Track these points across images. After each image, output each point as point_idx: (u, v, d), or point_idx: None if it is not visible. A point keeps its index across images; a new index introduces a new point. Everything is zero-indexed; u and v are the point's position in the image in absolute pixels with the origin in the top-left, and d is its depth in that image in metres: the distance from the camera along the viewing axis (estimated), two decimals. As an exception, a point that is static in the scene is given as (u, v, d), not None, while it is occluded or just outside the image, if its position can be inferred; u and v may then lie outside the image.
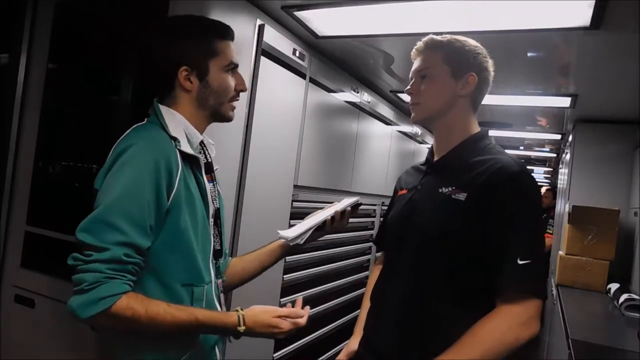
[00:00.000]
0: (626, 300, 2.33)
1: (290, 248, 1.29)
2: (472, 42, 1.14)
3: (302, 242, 1.26)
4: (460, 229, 1.02)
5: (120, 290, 0.88)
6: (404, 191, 1.25)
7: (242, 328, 1.00)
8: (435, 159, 1.19)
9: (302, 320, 1.07)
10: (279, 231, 1.28)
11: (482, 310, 0.99)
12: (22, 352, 1.78)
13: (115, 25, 1.70)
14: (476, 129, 1.17)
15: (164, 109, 1.06)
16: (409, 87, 1.17)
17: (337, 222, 1.30)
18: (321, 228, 1.28)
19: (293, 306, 1.10)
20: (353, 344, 1.27)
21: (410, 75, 1.18)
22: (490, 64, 1.15)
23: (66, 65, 1.84)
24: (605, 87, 2.37)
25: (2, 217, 1.84)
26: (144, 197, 0.92)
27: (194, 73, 1.05)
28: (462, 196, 1.03)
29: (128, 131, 1.02)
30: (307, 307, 1.11)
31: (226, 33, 1.10)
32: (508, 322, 0.95)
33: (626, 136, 3.06)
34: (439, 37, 1.15)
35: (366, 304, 1.30)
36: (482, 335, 0.95)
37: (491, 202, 1.00)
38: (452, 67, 1.12)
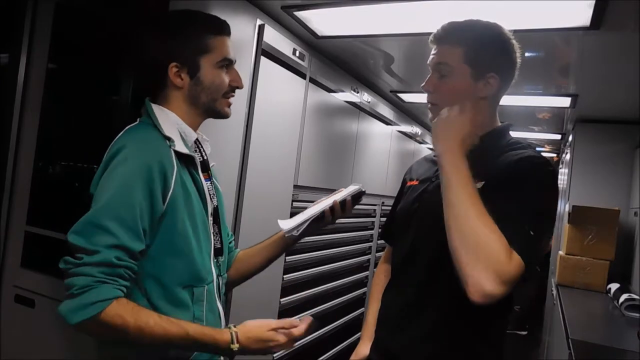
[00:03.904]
0: (626, 300, 2.33)
1: (292, 239, 1.23)
2: (498, 33, 1.05)
3: (297, 234, 1.18)
4: None
5: (111, 295, 0.85)
6: (415, 182, 1.19)
7: (235, 346, 0.94)
8: None
9: (297, 331, 1.00)
10: (279, 220, 1.22)
11: (499, 308, 0.95)
12: (22, 352, 1.78)
13: (116, 25, 1.70)
14: (497, 123, 1.10)
15: (156, 108, 1.04)
16: (424, 83, 1.09)
17: (337, 214, 1.21)
18: (320, 219, 1.20)
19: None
20: (363, 349, 1.22)
21: (428, 64, 1.09)
22: (516, 59, 1.06)
23: (66, 65, 1.84)
24: (605, 87, 2.37)
25: (2, 217, 1.84)
26: (136, 200, 0.90)
27: (185, 70, 1.03)
28: (479, 185, 0.96)
29: (121, 133, 1.00)
30: (309, 318, 1.03)
31: (220, 29, 1.06)
32: (510, 258, 0.83)
33: (626, 136, 3.06)
34: (460, 25, 1.05)
35: (373, 306, 1.24)
36: (491, 232, 0.84)
37: (507, 188, 0.92)
38: (473, 68, 1.03)
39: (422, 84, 1.10)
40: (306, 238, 1.54)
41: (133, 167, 0.91)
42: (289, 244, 1.25)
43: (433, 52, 1.08)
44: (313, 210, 1.20)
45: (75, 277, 0.84)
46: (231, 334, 0.95)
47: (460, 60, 1.03)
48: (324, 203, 1.21)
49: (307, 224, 1.18)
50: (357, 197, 1.23)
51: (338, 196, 1.21)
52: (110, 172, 0.92)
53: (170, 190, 0.95)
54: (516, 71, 1.07)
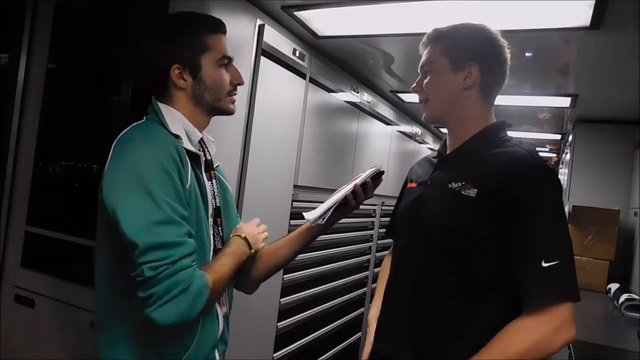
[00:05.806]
0: (626, 300, 2.34)
1: (318, 229, 1.23)
2: (477, 28, 1.08)
3: (323, 222, 1.19)
4: (471, 226, 0.98)
5: (202, 274, 0.93)
6: (414, 184, 1.21)
7: (253, 251, 1.13)
8: (448, 152, 1.14)
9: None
10: (304, 213, 1.23)
11: (492, 305, 0.97)
12: (22, 352, 1.78)
13: (116, 25, 1.70)
14: (491, 120, 1.11)
15: (163, 107, 1.05)
16: (414, 84, 1.14)
17: (360, 197, 1.21)
18: (344, 205, 1.20)
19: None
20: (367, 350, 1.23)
21: (418, 71, 1.15)
22: (500, 50, 1.07)
23: (66, 65, 1.84)
24: (605, 87, 2.37)
25: (2, 217, 1.84)
26: (177, 188, 0.92)
27: (187, 70, 1.04)
28: (472, 192, 0.98)
29: (126, 130, 0.99)
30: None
31: (216, 27, 1.08)
32: (540, 330, 0.87)
33: (626, 136, 3.06)
34: (442, 28, 1.10)
35: (376, 302, 1.26)
36: (513, 343, 0.89)
37: (506, 198, 0.93)
38: (451, 60, 1.06)
39: (412, 86, 1.15)
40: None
41: (159, 156, 0.91)
42: (314, 235, 1.25)
43: (422, 57, 1.14)
44: (336, 197, 1.21)
45: (174, 275, 0.86)
46: (246, 240, 1.12)
47: (440, 55, 1.08)
48: (346, 189, 1.22)
49: (331, 211, 1.19)
50: (377, 177, 1.23)
51: (358, 180, 1.22)
52: (134, 164, 0.90)
53: (188, 184, 0.96)
54: (504, 63, 1.08)
